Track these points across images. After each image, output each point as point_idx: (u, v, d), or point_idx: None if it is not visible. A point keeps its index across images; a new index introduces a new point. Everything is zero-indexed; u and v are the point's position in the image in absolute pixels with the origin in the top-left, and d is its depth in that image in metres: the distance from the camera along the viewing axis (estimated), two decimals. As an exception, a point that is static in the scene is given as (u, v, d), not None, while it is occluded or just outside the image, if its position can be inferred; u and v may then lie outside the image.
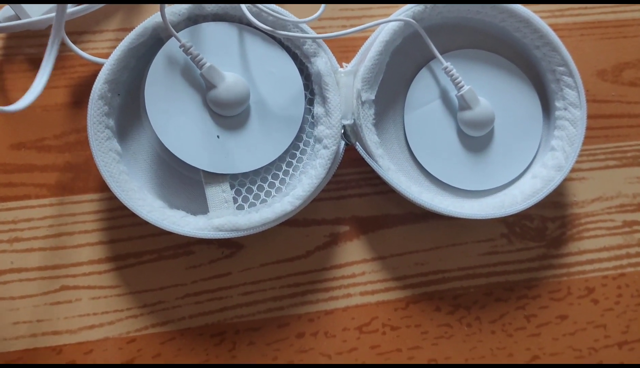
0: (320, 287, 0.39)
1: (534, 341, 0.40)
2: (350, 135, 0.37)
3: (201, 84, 0.36)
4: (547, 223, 0.41)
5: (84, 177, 0.39)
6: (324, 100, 0.36)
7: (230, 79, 0.35)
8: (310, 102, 0.38)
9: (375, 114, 0.38)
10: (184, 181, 0.37)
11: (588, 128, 0.43)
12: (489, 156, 0.39)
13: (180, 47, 0.34)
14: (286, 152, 0.37)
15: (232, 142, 0.36)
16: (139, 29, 0.35)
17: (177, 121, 0.35)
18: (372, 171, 0.41)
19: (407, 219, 0.40)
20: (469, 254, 0.40)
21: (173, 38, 0.35)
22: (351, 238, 0.40)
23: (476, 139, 0.39)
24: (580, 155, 0.43)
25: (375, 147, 0.37)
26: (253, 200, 0.37)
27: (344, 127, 0.37)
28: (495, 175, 0.39)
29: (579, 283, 0.41)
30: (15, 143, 0.39)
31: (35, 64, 0.39)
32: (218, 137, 0.36)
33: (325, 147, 0.36)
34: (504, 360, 0.39)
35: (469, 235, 0.41)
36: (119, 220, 0.38)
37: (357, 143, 0.37)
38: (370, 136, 0.37)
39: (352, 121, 0.37)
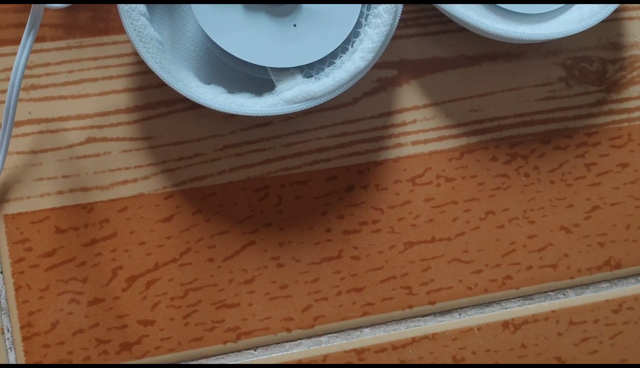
0: (369, 136, 0.36)
1: (594, 190, 0.37)
2: None
3: None
4: (607, 66, 0.38)
5: (104, 16, 0.34)
6: None
7: None
8: None
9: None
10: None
11: (648, -37, 0.39)
12: None
13: None
14: None
15: (296, 29, 0.32)
16: None
17: (230, 19, 0.31)
18: (420, 11, 0.37)
19: (459, 62, 0.37)
20: (526, 99, 0.37)
21: None
22: (400, 84, 0.36)
23: None
24: (640, -7, 0.39)
25: None
26: (320, 65, 0.33)
27: None
28: None
29: (640, 130, 0.38)
30: (22, -19, 0.34)
31: None
32: (295, 25, 0.32)
33: None
34: (563, 211, 0.37)
35: (525, 79, 0.37)
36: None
37: None
38: None
39: None
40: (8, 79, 0.32)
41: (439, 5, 0.34)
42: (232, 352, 0.34)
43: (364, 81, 0.35)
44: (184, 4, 0.33)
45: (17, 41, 0.33)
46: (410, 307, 0.35)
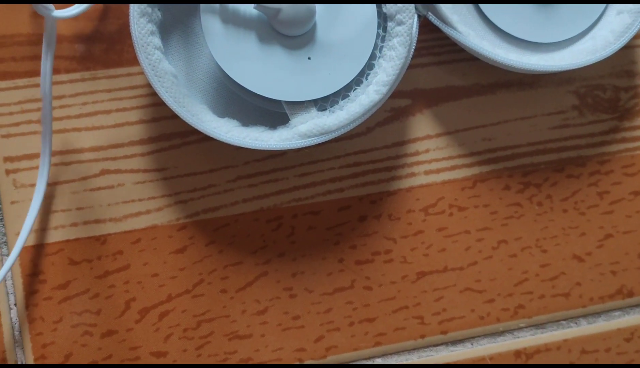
0: (382, 166, 0.36)
1: (607, 219, 0.37)
2: (418, 8, 0.33)
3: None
4: (620, 94, 0.38)
5: (117, 48, 0.34)
6: None
7: None
8: None
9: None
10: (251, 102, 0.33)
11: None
12: (563, 6, 0.35)
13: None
14: None
15: (310, 62, 0.32)
16: None
17: (244, 52, 0.31)
18: (433, 40, 0.37)
19: (472, 91, 0.37)
20: (539, 128, 0.37)
21: None
22: (414, 113, 0.36)
23: None
24: (654, 20, 0.39)
25: (450, 13, 0.34)
26: (334, 98, 0.33)
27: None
28: (573, 22, 0.35)
29: (653, 157, 0.38)
30: (36, 12, 0.34)
31: None
32: (309, 58, 0.32)
33: (399, 23, 0.32)
34: (576, 240, 0.37)
35: (538, 107, 0.37)
36: (160, 96, 0.34)
37: (430, 13, 0.34)
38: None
39: None
40: (23, 112, 0.32)
41: (452, 35, 0.34)
42: (245, 384, 0.34)
43: (377, 111, 0.35)
44: (198, 37, 0.33)
45: (31, 74, 0.33)
46: (422, 336, 0.35)
